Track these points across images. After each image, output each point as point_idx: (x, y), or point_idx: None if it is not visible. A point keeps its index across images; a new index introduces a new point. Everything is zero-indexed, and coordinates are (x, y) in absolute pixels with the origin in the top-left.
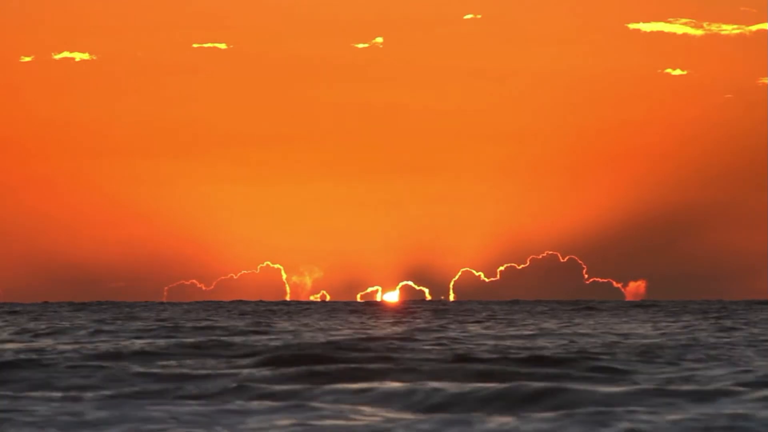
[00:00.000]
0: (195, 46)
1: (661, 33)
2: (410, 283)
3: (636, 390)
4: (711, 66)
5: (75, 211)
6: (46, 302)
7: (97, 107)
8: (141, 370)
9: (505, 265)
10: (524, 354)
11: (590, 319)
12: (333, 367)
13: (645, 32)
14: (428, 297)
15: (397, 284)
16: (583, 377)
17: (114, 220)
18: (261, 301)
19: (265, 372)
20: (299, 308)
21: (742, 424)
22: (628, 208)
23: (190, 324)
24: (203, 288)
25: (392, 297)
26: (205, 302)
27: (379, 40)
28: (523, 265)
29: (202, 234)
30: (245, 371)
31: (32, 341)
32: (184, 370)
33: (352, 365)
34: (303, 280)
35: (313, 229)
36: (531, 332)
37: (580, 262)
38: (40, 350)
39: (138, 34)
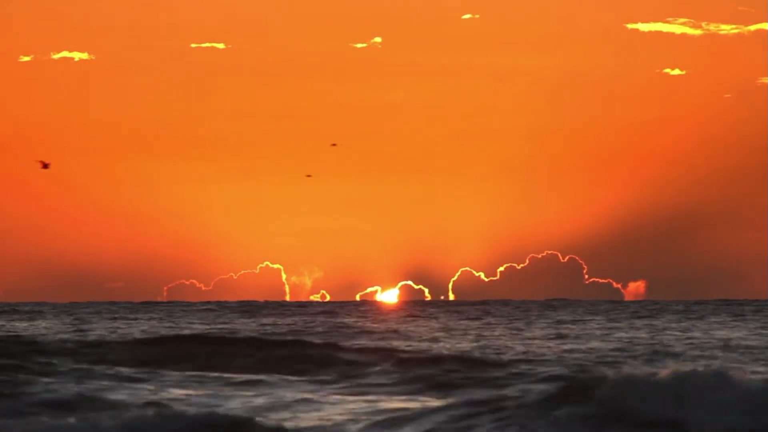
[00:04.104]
0: (193, 45)
1: (659, 33)
2: (410, 282)
3: None
4: (710, 66)
5: (75, 211)
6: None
7: (96, 107)
8: None
9: (505, 265)
10: None
11: None
12: None
13: (643, 32)
14: (428, 297)
15: (397, 284)
16: None
17: (114, 220)
18: (246, 301)
19: None
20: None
21: None
22: (627, 208)
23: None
24: (203, 288)
25: (391, 297)
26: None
27: (378, 39)
28: (522, 265)
29: (202, 234)
30: None
31: None
32: None
33: None
34: (303, 280)
35: (313, 229)
36: None
37: (580, 262)
38: None
39: (137, 34)
